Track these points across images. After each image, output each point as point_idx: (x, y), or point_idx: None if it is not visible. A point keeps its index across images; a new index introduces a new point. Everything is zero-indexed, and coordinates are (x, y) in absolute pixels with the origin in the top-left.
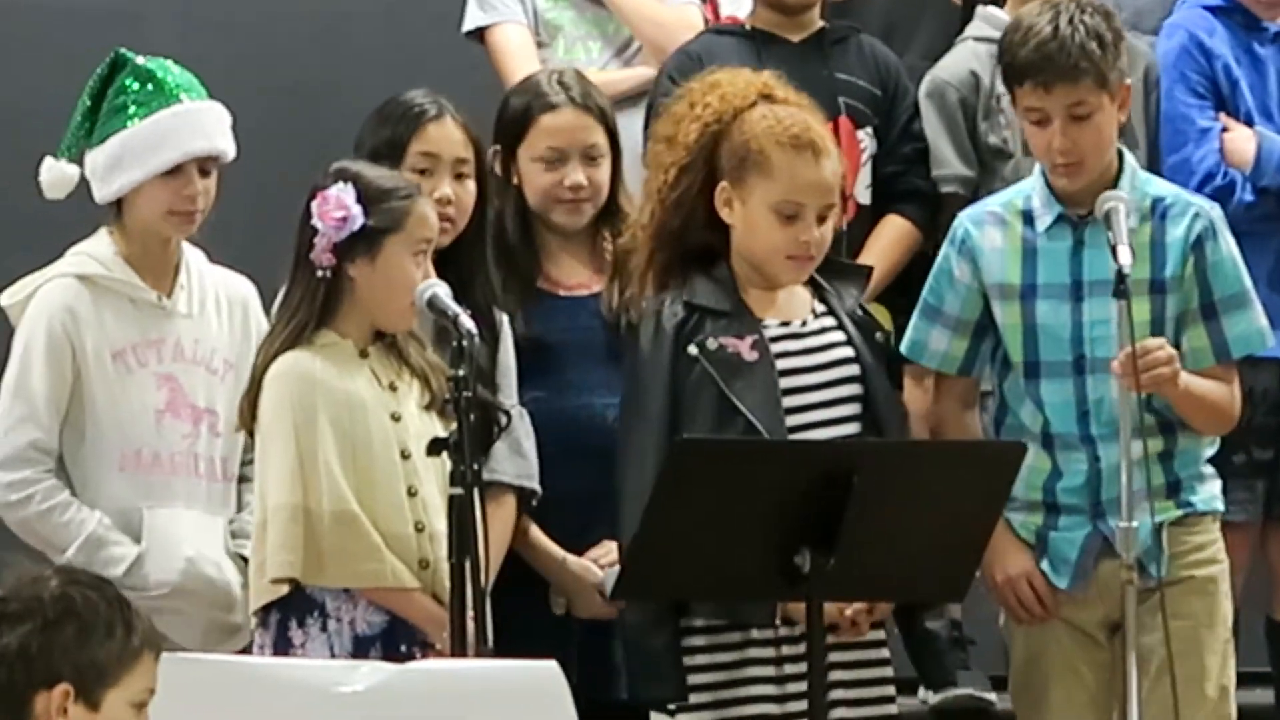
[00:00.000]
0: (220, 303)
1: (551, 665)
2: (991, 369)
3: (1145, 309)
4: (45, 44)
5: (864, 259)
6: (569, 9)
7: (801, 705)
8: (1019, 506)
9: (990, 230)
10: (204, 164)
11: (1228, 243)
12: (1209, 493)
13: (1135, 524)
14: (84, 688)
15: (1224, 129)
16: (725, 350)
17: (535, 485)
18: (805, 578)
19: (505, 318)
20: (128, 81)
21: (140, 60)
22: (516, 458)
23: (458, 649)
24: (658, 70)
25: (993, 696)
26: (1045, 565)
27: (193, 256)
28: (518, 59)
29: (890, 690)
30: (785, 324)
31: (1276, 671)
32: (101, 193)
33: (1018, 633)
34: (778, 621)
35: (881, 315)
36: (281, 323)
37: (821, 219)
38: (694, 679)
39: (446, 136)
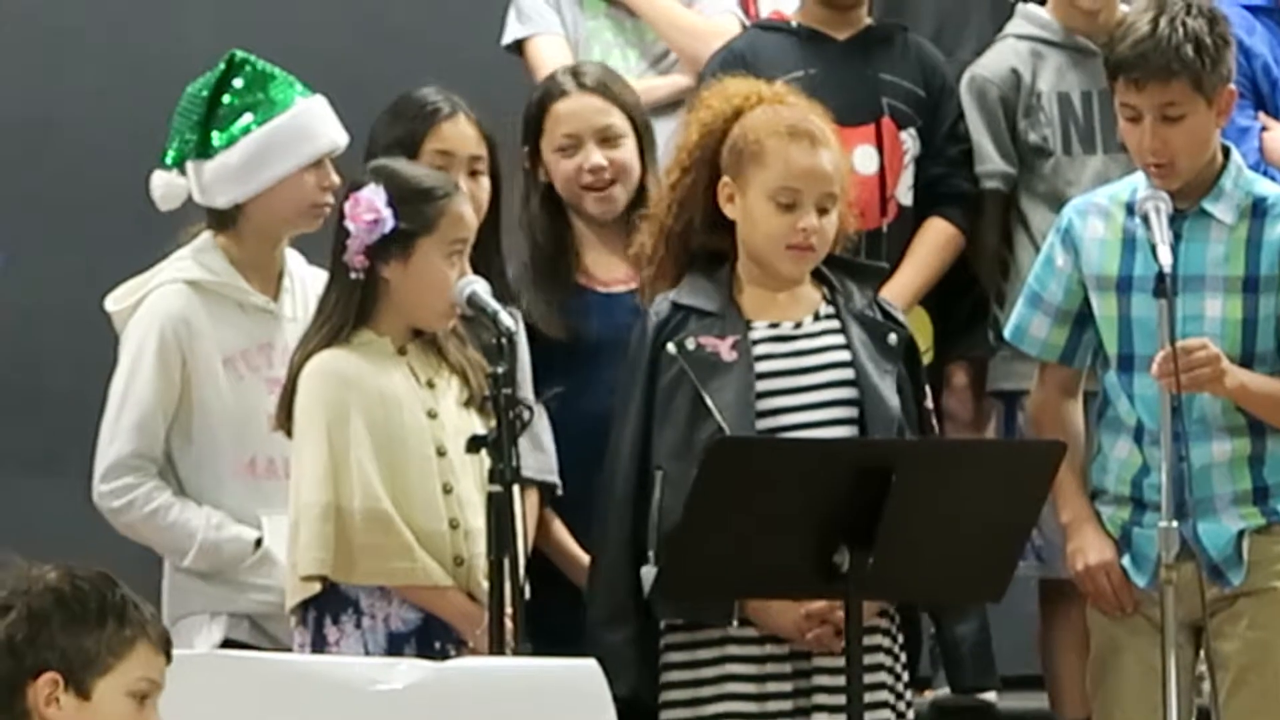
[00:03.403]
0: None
1: (591, 664)
2: (1096, 362)
3: (1238, 307)
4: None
5: (906, 263)
6: (606, 20)
7: (781, 705)
8: (1109, 499)
9: (1093, 221)
10: (329, 158)
11: None
12: None
13: (1175, 524)
14: (73, 676)
15: (1264, 128)
16: (704, 350)
17: (556, 479)
18: (844, 576)
19: (518, 312)
20: (248, 81)
21: (254, 59)
22: (537, 453)
23: (496, 647)
24: (693, 78)
25: (993, 697)
26: (1127, 561)
27: (293, 259)
28: (553, 69)
29: (883, 695)
30: (774, 325)
31: None
32: (233, 194)
33: (1097, 624)
34: (734, 622)
35: (922, 319)
36: (317, 324)
37: (822, 211)
38: (671, 676)
39: (460, 134)
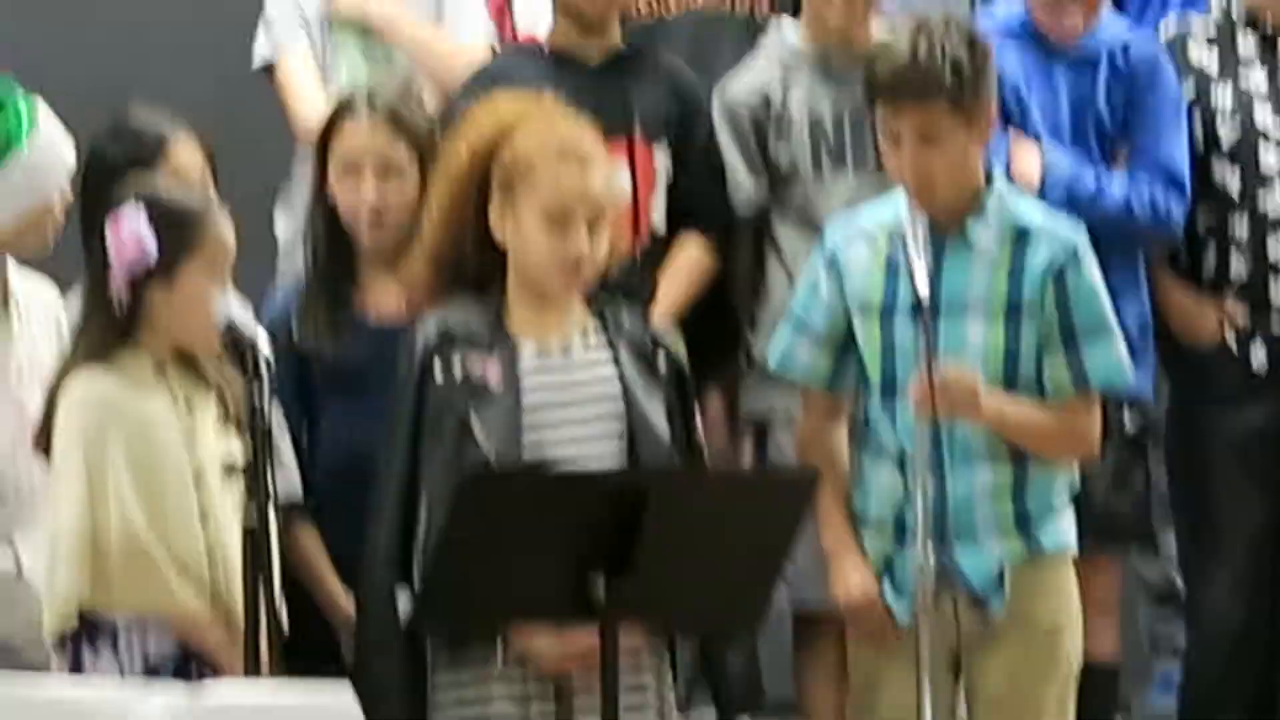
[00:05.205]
0: (39, 316)
1: (348, 698)
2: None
3: (1000, 334)
4: None
5: (661, 286)
6: (354, 42)
7: None
8: (871, 527)
9: (857, 245)
10: None
11: (1091, 272)
12: (1059, 530)
13: (932, 553)
14: None
15: (1011, 149)
16: (471, 373)
17: (299, 496)
18: (600, 605)
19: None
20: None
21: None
22: (281, 470)
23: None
24: (440, 102)
25: None
26: (889, 591)
27: (11, 269)
28: (301, 90)
29: None
30: (543, 350)
31: None
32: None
33: (858, 655)
34: (497, 648)
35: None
36: (77, 347)
37: (594, 231)
38: (438, 715)
39: (187, 155)
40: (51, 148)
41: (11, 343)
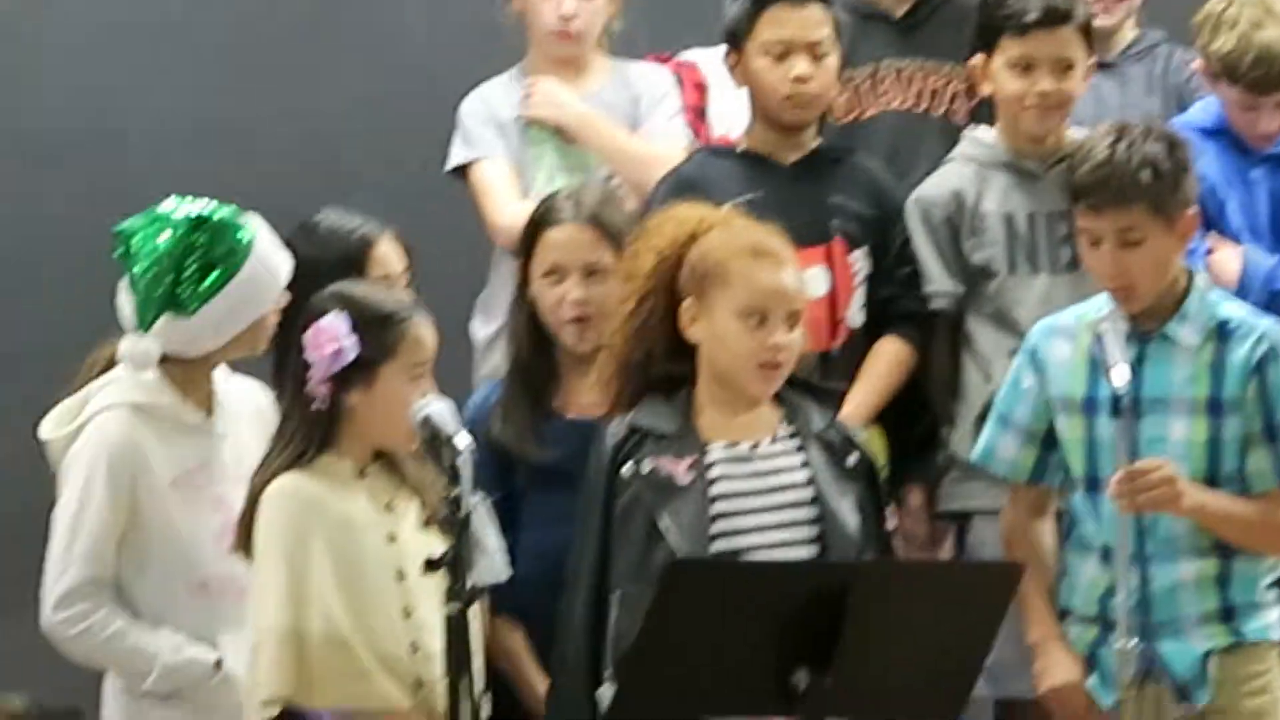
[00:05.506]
0: (246, 416)
1: None
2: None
3: (1203, 429)
4: None
5: (860, 382)
6: (550, 146)
7: None
8: (1076, 620)
9: (1059, 342)
10: None
11: None
12: (1263, 621)
13: (1133, 643)
14: None
15: (1209, 250)
16: (659, 472)
17: (503, 575)
18: (802, 697)
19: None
20: (210, 236)
21: (207, 212)
22: (483, 557)
23: None
24: (639, 205)
25: None
26: (1095, 681)
27: (217, 372)
28: (497, 194)
29: None
30: (732, 446)
31: None
32: (209, 345)
33: None
34: None
35: (877, 438)
36: (278, 448)
37: (790, 327)
38: None
39: (392, 254)
40: (269, 263)
41: (215, 441)
